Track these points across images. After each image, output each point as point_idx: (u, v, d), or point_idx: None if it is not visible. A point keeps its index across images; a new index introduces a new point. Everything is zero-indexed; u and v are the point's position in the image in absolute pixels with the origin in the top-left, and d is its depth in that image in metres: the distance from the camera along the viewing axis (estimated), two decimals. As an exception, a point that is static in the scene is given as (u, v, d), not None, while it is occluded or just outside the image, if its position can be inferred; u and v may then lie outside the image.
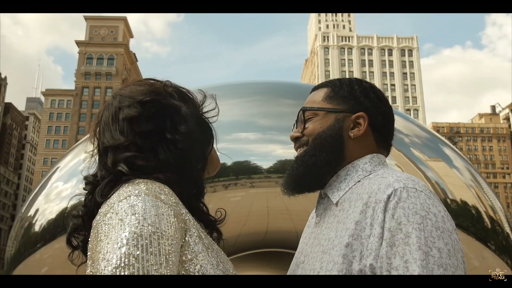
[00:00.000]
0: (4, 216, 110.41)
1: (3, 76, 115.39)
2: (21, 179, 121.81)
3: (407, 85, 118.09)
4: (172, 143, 1.21)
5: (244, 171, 3.00)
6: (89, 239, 1.10)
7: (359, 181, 1.33)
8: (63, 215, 3.05)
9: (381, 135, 1.45)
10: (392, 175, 1.25)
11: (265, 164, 3.04)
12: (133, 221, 0.99)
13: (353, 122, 1.39)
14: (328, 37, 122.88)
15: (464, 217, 3.17)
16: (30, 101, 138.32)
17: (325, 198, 1.41)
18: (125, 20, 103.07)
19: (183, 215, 1.12)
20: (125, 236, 0.97)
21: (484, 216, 3.24)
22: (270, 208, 3.07)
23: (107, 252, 0.97)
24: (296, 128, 1.48)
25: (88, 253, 1.10)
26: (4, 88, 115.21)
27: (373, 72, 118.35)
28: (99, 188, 1.17)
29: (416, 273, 1.05)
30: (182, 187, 1.20)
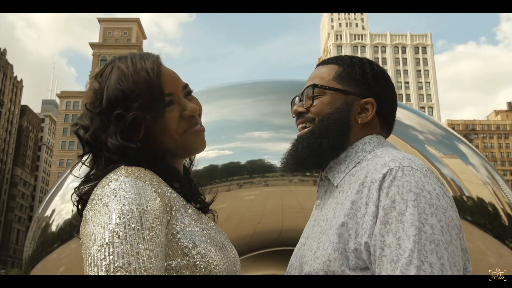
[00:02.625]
0: (22, 217, 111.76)
1: (19, 79, 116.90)
2: (38, 181, 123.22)
3: (421, 82, 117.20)
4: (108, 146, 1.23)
5: (258, 170, 3.00)
6: (80, 226, 1.15)
7: (359, 163, 1.33)
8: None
9: (387, 120, 1.45)
10: (389, 155, 1.25)
11: (279, 163, 3.04)
12: (115, 203, 1.05)
13: (361, 106, 1.38)
14: (341, 35, 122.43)
15: (481, 214, 3.14)
16: (45, 103, 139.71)
17: (325, 180, 1.42)
18: (138, 21, 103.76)
19: (166, 191, 1.16)
20: (109, 217, 1.03)
21: (501, 213, 3.20)
22: (285, 207, 3.07)
23: (92, 234, 1.03)
24: (300, 102, 1.45)
25: (80, 240, 1.14)
26: (20, 91, 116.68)
27: (386, 70, 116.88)
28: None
29: (408, 249, 1.05)
30: (165, 176, 1.24)
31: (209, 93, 3.71)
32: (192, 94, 1.37)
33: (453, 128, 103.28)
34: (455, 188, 3.11)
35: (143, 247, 0.99)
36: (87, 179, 1.26)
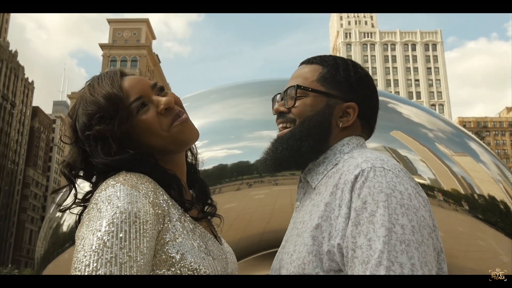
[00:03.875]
0: (34, 218, 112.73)
1: (30, 80, 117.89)
2: (50, 181, 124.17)
3: (431, 80, 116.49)
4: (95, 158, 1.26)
5: (267, 169, 3.00)
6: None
7: (336, 164, 1.32)
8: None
9: (369, 124, 1.43)
10: (362, 156, 1.24)
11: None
12: (108, 210, 1.07)
13: (342, 110, 1.37)
14: (350, 33, 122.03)
15: (492, 212, 3.12)
16: (56, 104, 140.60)
17: (304, 182, 1.41)
18: (147, 22, 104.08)
19: (161, 201, 1.17)
20: (100, 223, 1.06)
21: (513, 211, 3.18)
22: (294, 205, 3.07)
23: (83, 238, 1.07)
24: (282, 101, 1.43)
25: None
26: (31, 92, 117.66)
27: (396, 67, 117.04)
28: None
29: (378, 250, 1.04)
30: (163, 183, 1.25)
31: (218, 92, 3.72)
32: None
33: (464, 126, 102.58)
34: (466, 186, 3.09)
35: (127, 257, 1.03)
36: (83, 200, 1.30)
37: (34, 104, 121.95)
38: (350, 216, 1.13)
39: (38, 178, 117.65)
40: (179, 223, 1.18)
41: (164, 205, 1.18)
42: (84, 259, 1.02)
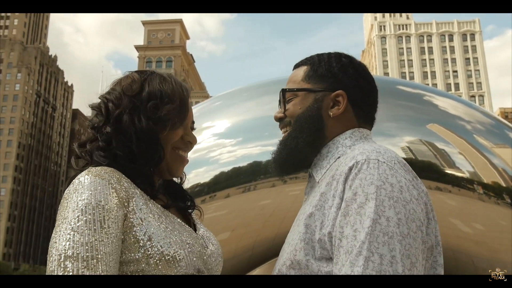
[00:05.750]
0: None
1: (69, 84, 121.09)
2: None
3: (470, 70, 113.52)
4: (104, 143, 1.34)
5: (302, 165, 3.00)
6: None
7: (339, 157, 1.34)
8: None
9: (363, 110, 1.43)
10: (360, 148, 1.26)
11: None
12: (74, 199, 1.18)
13: (332, 100, 1.39)
14: (384, 26, 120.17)
15: (536, 205, 3.02)
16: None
17: (311, 177, 1.43)
18: (181, 22, 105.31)
19: (125, 186, 1.25)
20: (67, 211, 1.17)
21: (558, 203, 3.08)
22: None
23: (55, 227, 1.18)
24: (280, 108, 1.49)
25: None
26: (71, 96, 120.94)
27: (433, 59, 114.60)
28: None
29: (360, 241, 1.08)
30: (129, 174, 1.31)
31: (252, 90, 3.73)
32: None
33: (506, 117, 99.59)
34: (507, 179, 3.01)
35: (93, 238, 1.13)
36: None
37: (74, 106, 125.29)
38: (341, 206, 1.16)
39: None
40: (145, 207, 1.26)
41: (128, 190, 1.25)
42: (54, 244, 1.13)
